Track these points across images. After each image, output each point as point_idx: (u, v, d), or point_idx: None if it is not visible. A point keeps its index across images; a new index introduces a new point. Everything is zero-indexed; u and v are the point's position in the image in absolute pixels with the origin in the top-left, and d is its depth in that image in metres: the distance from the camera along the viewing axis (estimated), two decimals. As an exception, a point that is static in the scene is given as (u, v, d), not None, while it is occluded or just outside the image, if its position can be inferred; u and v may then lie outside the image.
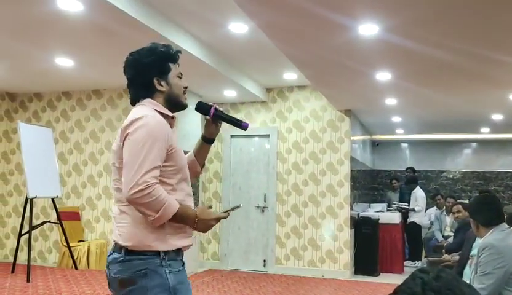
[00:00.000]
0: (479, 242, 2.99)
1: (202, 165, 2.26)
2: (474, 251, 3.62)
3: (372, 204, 9.34)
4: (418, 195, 8.60)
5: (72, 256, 6.24)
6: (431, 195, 9.72)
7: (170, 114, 1.98)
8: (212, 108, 2.13)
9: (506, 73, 5.27)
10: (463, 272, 4.04)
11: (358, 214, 7.83)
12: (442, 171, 10.86)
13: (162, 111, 1.94)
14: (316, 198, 7.34)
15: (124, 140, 1.85)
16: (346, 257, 7.17)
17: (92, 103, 7.25)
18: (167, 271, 1.83)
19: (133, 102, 2.01)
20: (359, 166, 8.57)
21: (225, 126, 2.21)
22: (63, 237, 6.27)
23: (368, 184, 10.18)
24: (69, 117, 7.35)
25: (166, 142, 1.84)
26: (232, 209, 2.11)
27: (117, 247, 1.87)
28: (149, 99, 1.96)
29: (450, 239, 6.39)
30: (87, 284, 5.38)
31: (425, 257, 6.11)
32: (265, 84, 7.48)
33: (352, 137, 7.53)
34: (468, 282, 3.13)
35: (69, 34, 4.81)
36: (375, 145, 10.97)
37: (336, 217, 7.22)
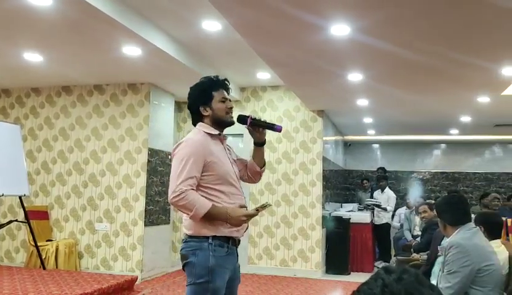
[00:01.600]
0: (446, 241, 3.04)
1: (263, 164, 2.71)
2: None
3: (343, 204, 9.45)
4: (391, 194, 8.65)
5: (40, 256, 6.09)
6: (401, 195, 9.91)
7: (215, 132, 2.50)
8: (248, 118, 2.55)
9: (474, 76, 5.40)
10: (432, 271, 4.12)
11: (330, 214, 7.89)
12: (412, 172, 11.06)
13: (208, 131, 2.49)
14: (289, 197, 7.37)
15: (171, 160, 2.49)
16: (318, 256, 7.22)
17: (61, 100, 7.10)
18: (211, 253, 2.35)
19: (194, 124, 2.60)
20: (331, 166, 8.64)
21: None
22: (31, 236, 6.11)
23: (340, 183, 10.29)
24: (38, 114, 7.18)
25: (202, 156, 2.38)
26: (262, 206, 2.38)
27: (185, 234, 2.48)
28: (201, 123, 2.54)
29: (419, 239, 6.51)
30: (54, 285, 5.26)
31: (394, 256, 6.20)
32: (239, 83, 7.47)
33: (324, 138, 7.59)
34: (435, 281, 3.20)
35: (38, 29, 4.69)
36: (347, 145, 11.09)
37: (308, 217, 7.27)
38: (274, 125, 2.58)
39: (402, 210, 8.56)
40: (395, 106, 7.34)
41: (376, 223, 8.50)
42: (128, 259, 6.55)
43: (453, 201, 3.28)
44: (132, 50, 5.17)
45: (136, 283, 6.02)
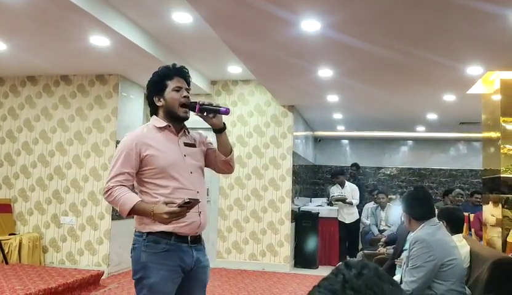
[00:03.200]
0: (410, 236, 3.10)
1: (229, 152, 2.55)
2: (407, 245, 3.76)
3: (312, 199, 9.53)
4: (353, 187, 8.35)
5: (2, 250, 5.92)
6: (369, 190, 10.06)
7: (163, 125, 2.40)
8: (197, 105, 2.40)
9: (441, 75, 5.52)
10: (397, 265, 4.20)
11: (299, 208, 7.95)
12: (380, 168, 11.25)
13: (155, 124, 2.41)
14: (259, 192, 7.38)
15: None
16: (287, 250, 7.26)
17: (26, 90, 6.89)
18: (143, 249, 2.30)
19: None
20: (301, 161, 8.70)
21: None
22: (-8, 230, 5.93)
23: (309, 178, 10.37)
24: (1, 104, 6.95)
25: (135, 151, 2.32)
26: (185, 203, 2.21)
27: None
28: (154, 116, 2.46)
29: (385, 233, 6.64)
30: (17, 280, 5.12)
31: (361, 250, 6.31)
32: (210, 76, 7.42)
33: (295, 133, 7.62)
34: (400, 275, 3.25)
35: (2, 16, 4.53)
36: (317, 141, 11.19)
37: (277, 211, 7.30)
38: (220, 107, 2.41)
39: (370, 205, 8.69)
40: (364, 102, 7.43)
41: (346, 221, 8.13)
42: (95, 253, 6.44)
43: (418, 197, 3.34)
44: (99, 40, 5.06)
45: (103, 277, 5.92)
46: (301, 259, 7.57)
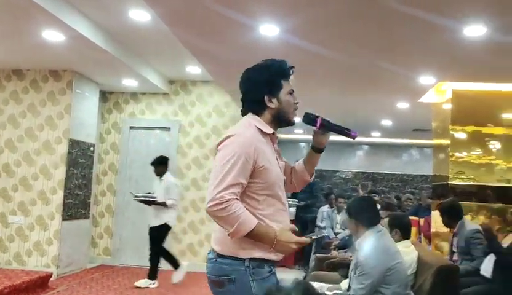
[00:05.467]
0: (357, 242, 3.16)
1: (312, 174, 2.29)
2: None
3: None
4: (171, 182, 6.14)
5: None
6: (324, 193, 10.21)
7: (270, 131, 2.04)
8: (318, 119, 2.14)
9: (395, 82, 5.67)
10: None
11: (323, 235, 7.87)
12: (336, 171, 11.45)
13: (261, 128, 2.01)
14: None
15: (215, 155, 1.98)
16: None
17: (-27, 83, 6.58)
18: (251, 279, 1.90)
19: (243, 114, 2.11)
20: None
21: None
22: None
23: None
24: None
25: (251, 160, 1.90)
26: (318, 236, 2.07)
27: (212, 249, 2.02)
28: (254, 116, 2.05)
29: (340, 236, 6.75)
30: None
31: (314, 253, 6.38)
32: (168, 76, 7.33)
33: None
34: (347, 282, 3.29)
35: None
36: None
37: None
38: (350, 130, 2.14)
39: (325, 208, 8.80)
40: (322, 106, 7.53)
41: (151, 225, 6.14)
42: (44, 254, 6.23)
43: (366, 204, 3.40)
44: (54, 35, 4.90)
45: (52, 279, 5.75)
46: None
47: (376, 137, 10.46)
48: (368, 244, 3.08)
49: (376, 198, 7.69)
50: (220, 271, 1.94)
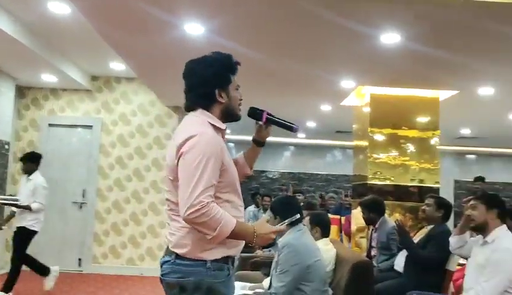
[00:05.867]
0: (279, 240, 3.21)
1: (252, 167, 2.29)
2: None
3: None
4: (39, 184, 5.32)
5: None
6: (252, 193, 10.31)
7: (223, 127, 1.99)
8: (264, 113, 2.15)
9: (318, 86, 5.83)
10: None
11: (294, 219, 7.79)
12: (264, 171, 11.59)
13: (215, 124, 1.95)
14: (139, 194, 7.17)
15: (179, 159, 1.85)
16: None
17: None
18: (209, 280, 1.86)
19: (189, 109, 2.02)
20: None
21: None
22: None
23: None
24: None
25: (219, 159, 1.85)
26: (290, 220, 2.12)
27: (170, 252, 1.92)
28: (204, 111, 1.97)
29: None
30: None
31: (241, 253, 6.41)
32: (91, 72, 7.05)
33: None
34: (268, 280, 3.33)
35: None
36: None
37: (158, 214, 7.15)
38: (292, 124, 2.19)
39: (251, 208, 8.88)
40: (249, 107, 7.59)
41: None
42: None
43: (288, 202, 3.48)
44: (-39, 25, 4.54)
45: None
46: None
47: (301, 138, 10.71)
48: (289, 242, 3.15)
49: (301, 197, 7.89)
50: (178, 273, 1.87)
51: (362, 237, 5.75)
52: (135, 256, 7.08)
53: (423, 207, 4.22)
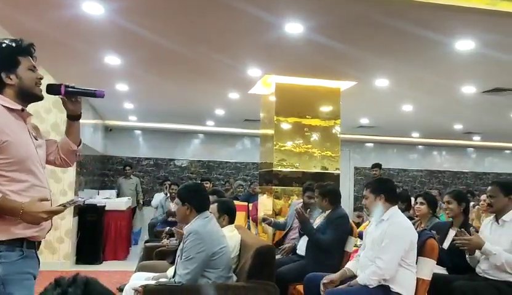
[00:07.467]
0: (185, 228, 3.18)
1: (79, 143, 2.33)
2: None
3: (100, 191, 9.13)
4: None
5: None
6: (160, 181, 10.12)
7: (18, 107, 2.02)
8: (62, 86, 2.18)
9: (225, 73, 5.83)
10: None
11: (84, 201, 7.52)
12: (172, 159, 11.41)
13: (7, 105, 1.99)
14: (36, 184, 6.71)
15: None
16: (68, 246, 6.80)
17: None
18: None
19: None
20: (88, 151, 8.23)
21: None
22: None
23: (98, 169, 9.90)
24: None
25: None
26: (70, 202, 2.06)
27: None
28: None
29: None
30: None
31: (145, 242, 6.27)
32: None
33: (80, 121, 7.14)
34: (173, 269, 3.29)
35: None
36: (108, 130, 10.76)
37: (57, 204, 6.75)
38: (95, 91, 2.22)
39: (160, 196, 8.72)
40: (156, 94, 7.41)
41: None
42: None
43: (197, 189, 3.47)
44: None
45: None
46: (84, 254, 7.19)
47: (210, 126, 10.68)
48: (195, 230, 3.13)
49: (208, 185, 7.89)
50: None
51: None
52: (31, 250, 6.65)
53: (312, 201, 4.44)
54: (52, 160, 2.30)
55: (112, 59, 5.25)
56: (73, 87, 2.20)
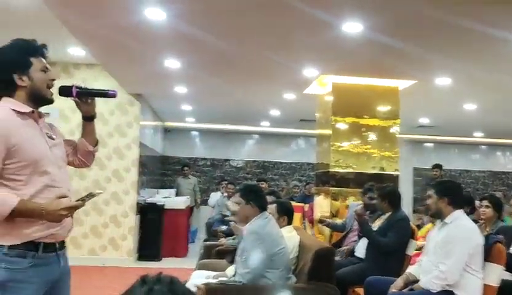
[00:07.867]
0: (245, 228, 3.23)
1: (96, 143, 2.32)
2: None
3: (160, 190, 9.41)
4: None
5: None
6: (216, 181, 10.29)
7: (28, 110, 1.99)
8: (73, 88, 2.15)
9: (281, 74, 5.84)
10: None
11: (144, 200, 7.78)
12: (228, 160, 11.57)
13: (17, 109, 1.96)
14: (101, 183, 7.02)
15: None
16: (130, 243, 7.06)
17: None
18: (3, 266, 1.84)
19: None
20: (149, 152, 8.51)
21: None
22: None
23: (157, 169, 10.21)
24: None
25: (5, 141, 1.87)
26: (89, 196, 1.98)
27: None
28: (8, 98, 1.99)
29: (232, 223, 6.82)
30: None
31: (204, 241, 6.41)
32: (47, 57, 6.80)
33: (142, 122, 7.41)
34: (233, 268, 3.34)
35: None
36: (167, 131, 11.07)
37: (121, 204, 7.04)
38: (107, 91, 2.20)
39: (217, 196, 8.86)
40: (213, 95, 7.54)
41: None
42: None
43: (258, 189, 3.52)
44: None
45: None
46: (145, 251, 7.43)
47: (265, 126, 10.73)
48: (255, 230, 3.16)
49: (264, 185, 7.93)
50: None
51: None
52: (96, 246, 6.95)
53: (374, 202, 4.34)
54: (70, 161, 2.28)
55: (172, 63, 5.40)
56: (85, 88, 2.19)
